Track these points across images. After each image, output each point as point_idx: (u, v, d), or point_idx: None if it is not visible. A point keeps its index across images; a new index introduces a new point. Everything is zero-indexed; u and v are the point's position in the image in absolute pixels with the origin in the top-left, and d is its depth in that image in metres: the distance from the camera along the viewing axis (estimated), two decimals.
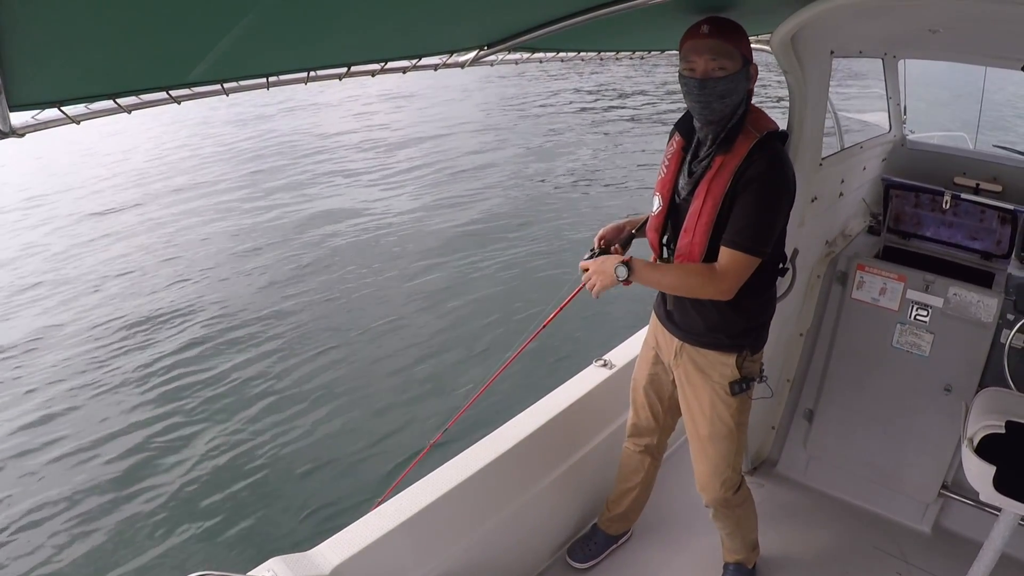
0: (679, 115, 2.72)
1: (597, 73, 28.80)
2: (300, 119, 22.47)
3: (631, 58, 3.66)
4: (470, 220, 12.90)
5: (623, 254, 2.90)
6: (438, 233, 12.35)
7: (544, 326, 3.34)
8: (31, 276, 11.64)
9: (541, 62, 3.12)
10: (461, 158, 17.28)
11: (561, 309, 3.26)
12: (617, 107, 22.66)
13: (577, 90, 26.18)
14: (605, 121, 20.53)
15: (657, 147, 16.78)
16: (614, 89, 26.18)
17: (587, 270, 2.65)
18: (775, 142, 2.50)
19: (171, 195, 15.23)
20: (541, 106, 23.34)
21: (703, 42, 2.38)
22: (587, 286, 2.61)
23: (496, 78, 27.07)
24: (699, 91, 2.41)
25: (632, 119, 20.41)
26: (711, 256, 2.52)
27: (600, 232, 2.97)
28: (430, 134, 19.90)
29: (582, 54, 3.33)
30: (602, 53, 3.46)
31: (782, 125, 2.71)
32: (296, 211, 14.00)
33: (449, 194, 14.44)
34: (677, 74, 2.53)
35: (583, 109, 22.78)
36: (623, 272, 2.51)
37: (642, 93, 25.19)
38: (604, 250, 2.90)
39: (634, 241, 3.01)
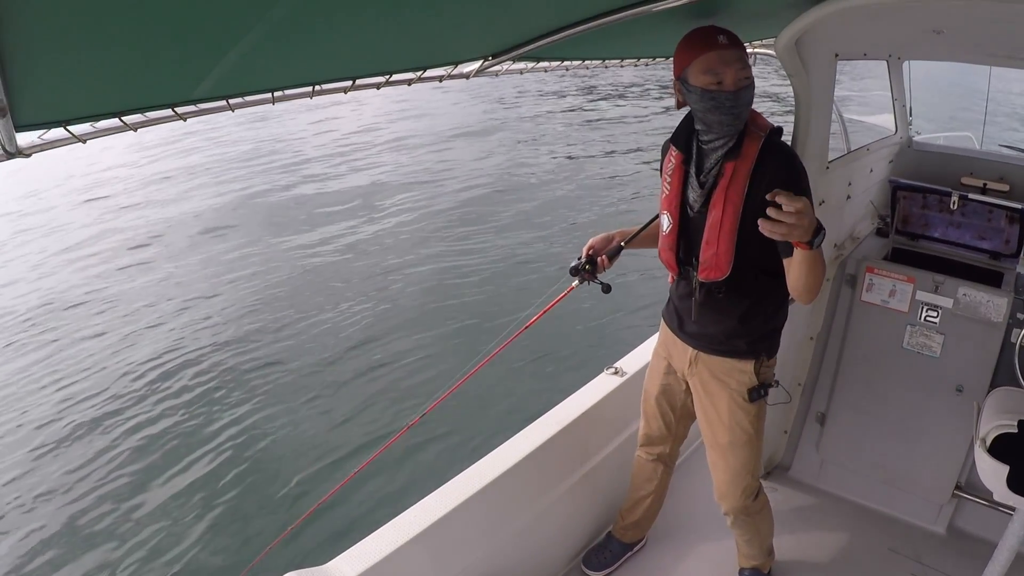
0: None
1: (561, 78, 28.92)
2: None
3: (635, 65, 3.66)
4: (454, 220, 13.03)
5: (610, 265, 2.92)
6: (424, 230, 12.48)
7: (528, 326, 3.32)
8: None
9: (546, 71, 3.13)
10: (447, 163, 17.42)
11: (546, 311, 3.25)
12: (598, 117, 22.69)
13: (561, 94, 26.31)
14: (587, 132, 20.54)
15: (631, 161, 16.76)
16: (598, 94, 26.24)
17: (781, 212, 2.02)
18: (778, 139, 2.48)
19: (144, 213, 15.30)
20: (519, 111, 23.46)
21: (728, 52, 2.32)
22: (779, 223, 2.01)
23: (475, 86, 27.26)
24: (732, 103, 2.34)
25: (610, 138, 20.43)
26: (739, 264, 2.49)
27: (589, 242, 2.96)
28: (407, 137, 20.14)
29: (587, 62, 3.34)
30: (607, 61, 3.47)
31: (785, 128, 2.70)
32: (277, 210, 14.13)
33: (433, 194, 14.58)
34: (684, 91, 2.45)
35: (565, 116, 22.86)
36: (819, 242, 2.17)
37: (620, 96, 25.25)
38: (591, 259, 2.91)
39: (639, 254, 3.01)
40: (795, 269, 2.34)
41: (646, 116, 21.80)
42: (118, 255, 12.65)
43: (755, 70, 2.52)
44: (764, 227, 2.03)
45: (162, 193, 16.25)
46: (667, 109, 21.72)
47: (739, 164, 2.43)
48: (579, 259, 2.92)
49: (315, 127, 21.97)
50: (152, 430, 7.65)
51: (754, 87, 2.39)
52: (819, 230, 2.14)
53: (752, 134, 2.44)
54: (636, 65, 3.66)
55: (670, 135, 2.68)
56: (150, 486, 6.76)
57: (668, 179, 2.67)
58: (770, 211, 2.00)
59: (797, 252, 2.25)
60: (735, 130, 2.42)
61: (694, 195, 2.58)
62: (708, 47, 2.32)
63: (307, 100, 2.22)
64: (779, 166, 2.41)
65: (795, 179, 2.40)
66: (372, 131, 20.88)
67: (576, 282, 2.96)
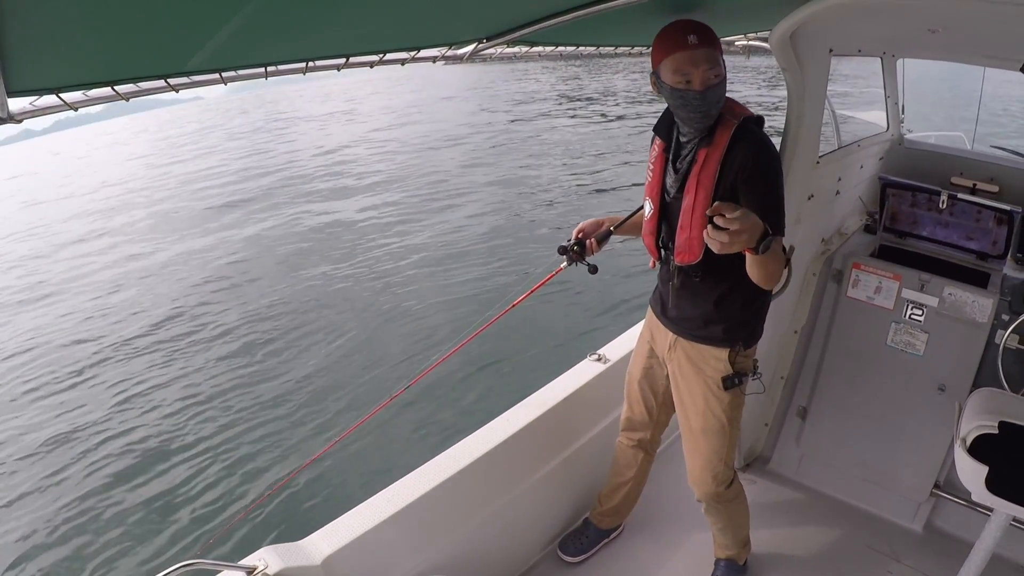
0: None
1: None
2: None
3: (630, 53, 3.65)
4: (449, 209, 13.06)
5: (598, 248, 2.97)
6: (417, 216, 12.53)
7: (514, 305, 3.32)
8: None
9: (540, 55, 3.12)
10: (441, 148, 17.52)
11: (534, 290, 3.26)
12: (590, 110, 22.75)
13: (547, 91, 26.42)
14: (579, 123, 20.62)
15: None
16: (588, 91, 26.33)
17: (718, 220, 2.07)
18: (752, 126, 2.50)
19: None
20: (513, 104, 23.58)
21: (697, 52, 2.35)
22: (716, 237, 2.08)
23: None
24: (701, 102, 2.39)
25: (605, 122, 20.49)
26: (709, 251, 2.50)
27: (579, 225, 3.01)
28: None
29: (581, 48, 3.33)
30: (601, 48, 3.46)
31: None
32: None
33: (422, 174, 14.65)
34: (658, 87, 2.50)
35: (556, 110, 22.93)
36: (764, 247, 2.19)
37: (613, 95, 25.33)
38: (580, 242, 2.96)
39: (624, 241, 3.03)
40: (747, 264, 2.41)
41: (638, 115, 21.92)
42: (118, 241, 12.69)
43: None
44: (707, 239, 2.10)
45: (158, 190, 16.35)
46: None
47: (711, 151, 2.48)
48: (569, 241, 2.97)
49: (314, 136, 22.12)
50: (135, 402, 7.68)
51: (725, 83, 2.43)
52: (765, 235, 2.18)
53: (726, 122, 2.48)
54: (631, 53, 3.65)
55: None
56: (126, 456, 6.78)
57: (651, 166, 2.74)
58: (709, 227, 2.07)
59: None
60: (704, 125, 2.48)
61: (670, 180, 2.65)
62: (678, 47, 2.36)
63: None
64: (748, 152, 2.44)
65: (763, 165, 2.45)
66: (366, 138, 20.98)
67: (564, 263, 3.00)
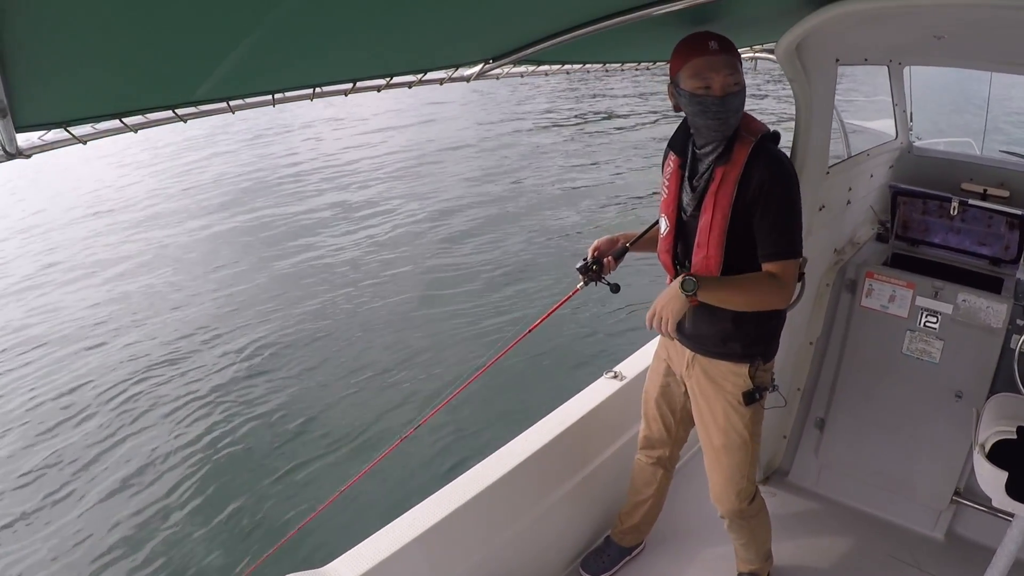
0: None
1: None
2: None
3: (636, 70, 3.66)
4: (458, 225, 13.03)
5: (615, 266, 2.95)
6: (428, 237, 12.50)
7: (532, 329, 3.30)
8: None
9: (546, 75, 3.13)
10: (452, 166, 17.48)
11: (552, 312, 3.25)
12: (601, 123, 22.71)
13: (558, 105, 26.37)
14: (587, 136, 20.59)
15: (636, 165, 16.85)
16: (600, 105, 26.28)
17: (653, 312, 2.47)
18: (769, 144, 2.50)
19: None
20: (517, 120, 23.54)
21: (717, 59, 2.35)
22: (654, 326, 2.46)
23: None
24: (719, 108, 2.38)
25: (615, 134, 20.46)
26: (730, 266, 2.52)
27: (595, 243, 2.98)
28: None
29: (587, 66, 3.33)
30: (607, 65, 3.47)
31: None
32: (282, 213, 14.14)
33: (440, 202, 14.61)
34: (676, 95, 2.51)
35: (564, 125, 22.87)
36: (690, 285, 2.39)
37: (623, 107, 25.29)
38: (597, 260, 2.93)
39: (643, 258, 3.03)
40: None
41: (641, 124, 21.87)
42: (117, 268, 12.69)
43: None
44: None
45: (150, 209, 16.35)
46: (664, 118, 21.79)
47: (728, 169, 2.47)
48: (585, 260, 2.94)
49: (305, 143, 22.05)
50: (150, 435, 7.65)
51: (744, 93, 2.43)
52: (687, 280, 2.41)
53: (743, 139, 2.47)
54: (636, 69, 3.65)
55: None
56: (146, 491, 6.75)
57: (666, 183, 2.72)
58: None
59: None
60: (722, 135, 2.47)
61: (687, 198, 2.64)
62: (698, 52, 2.37)
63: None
64: (765, 171, 2.44)
65: (780, 184, 2.45)
66: (365, 147, 20.93)
67: (581, 283, 2.98)
